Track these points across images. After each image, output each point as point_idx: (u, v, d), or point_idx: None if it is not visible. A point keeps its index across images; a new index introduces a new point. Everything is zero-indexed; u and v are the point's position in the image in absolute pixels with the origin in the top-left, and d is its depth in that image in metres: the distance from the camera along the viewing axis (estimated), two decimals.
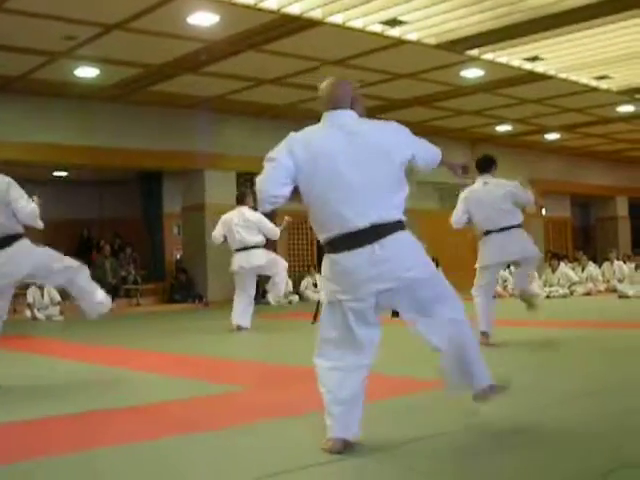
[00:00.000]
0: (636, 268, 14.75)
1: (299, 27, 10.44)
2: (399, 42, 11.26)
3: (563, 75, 13.63)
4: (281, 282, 9.79)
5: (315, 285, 16.25)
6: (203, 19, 10.12)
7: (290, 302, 15.65)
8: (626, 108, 16.64)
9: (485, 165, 7.16)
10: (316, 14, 10.01)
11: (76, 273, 5.50)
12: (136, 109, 14.69)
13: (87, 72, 12.39)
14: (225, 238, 9.60)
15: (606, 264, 16.77)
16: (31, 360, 5.71)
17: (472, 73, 13.28)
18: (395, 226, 3.33)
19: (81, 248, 17.90)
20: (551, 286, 14.75)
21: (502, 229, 6.92)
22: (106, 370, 6.43)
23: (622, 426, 3.70)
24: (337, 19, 10.23)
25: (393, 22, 10.42)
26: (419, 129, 5.97)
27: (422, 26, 10.68)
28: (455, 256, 15.69)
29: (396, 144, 3.46)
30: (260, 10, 9.71)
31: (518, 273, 7.44)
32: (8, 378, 5.60)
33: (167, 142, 15.06)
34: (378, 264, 3.27)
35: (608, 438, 3.46)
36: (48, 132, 13.52)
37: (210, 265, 15.73)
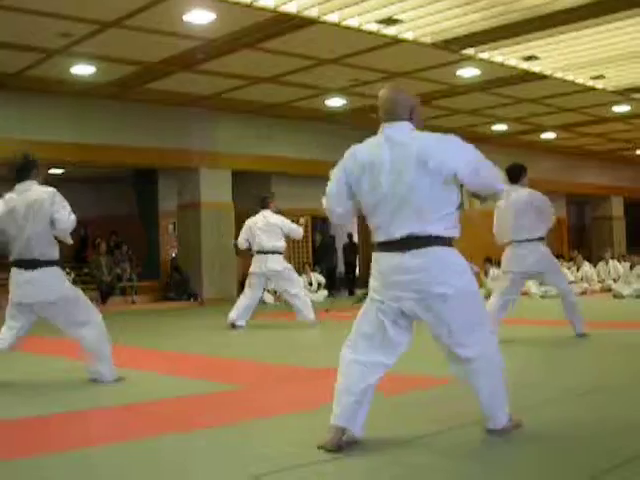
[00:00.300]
0: (631, 268, 14.77)
1: (295, 26, 10.44)
2: (395, 41, 11.26)
3: (559, 75, 13.65)
4: (304, 306, 9.68)
5: (310, 284, 16.21)
6: (199, 17, 10.11)
7: (286, 302, 15.61)
8: (622, 108, 16.67)
9: (512, 175, 7.26)
10: (312, 13, 10.01)
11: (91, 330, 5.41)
12: (132, 107, 14.67)
13: (83, 69, 12.37)
14: (249, 243, 9.75)
15: (601, 264, 16.82)
16: (27, 358, 5.70)
17: (468, 72, 13.28)
18: (431, 240, 3.33)
19: (78, 246, 17.87)
20: (546, 285, 14.76)
21: (522, 241, 7.11)
22: None
23: (624, 424, 3.72)
24: (333, 18, 10.23)
25: (389, 21, 10.42)
26: None
27: (418, 25, 10.68)
28: None
29: (438, 156, 3.33)
30: (256, 8, 9.71)
31: (565, 310, 7.43)
32: (4, 376, 5.59)
33: (163, 140, 15.05)
34: (405, 272, 3.33)
35: (610, 436, 3.49)
36: (44, 130, 13.49)
37: (205, 263, 15.74)
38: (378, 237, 3.46)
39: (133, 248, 17.67)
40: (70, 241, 5.35)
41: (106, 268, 15.89)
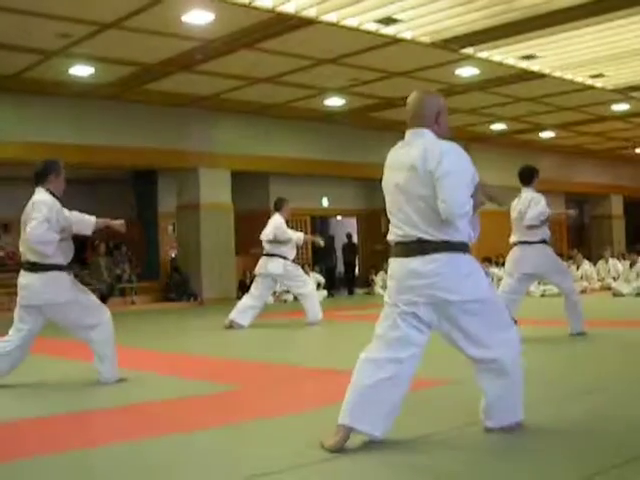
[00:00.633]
0: (631, 266, 14.77)
1: (294, 26, 10.44)
2: (394, 40, 11.26)
3: (558, 73, 13.65)
4: (311, 306, 9.72)
5: None
6: (198, 17, 10.11)
7: (285, 301, 15.66)
8: (621, 106, 16.67)
9: (524, 177, 7.31)
10: (311, 13, 10.00)
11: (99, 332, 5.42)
12: (131, 108, 14.67)
13: (82, 70, 12.36)
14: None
15: (601, 262, 16.82)
16: (28, 359, 5.71)
17: (467, 71, 13.28)
18: (441, 245, 3.36)
19: (77, 247, 17.83)
20: (545, 284, 14.76)
21: (523, 242, 7.21)
22: None
23: (624, 423, 3.72)
24: (332, 17, 10.23)
25: (388, 20, 10.42)
26: None
27: (417, 24, 10.67)
28: None
29: (427, 166, 3.33)
30: (255, 9, 9.70)
31: (566, 308, 7.46)
32: (4, 377, 5.58)
33: (162, 141, 15.05)
34: (415, 277, 3.37)
35: (610, 435, 3.49)
36: (43, 131, 13.48)
37: (204, 264, 15.75)
38: (392, 236, 3.52)
39: (133, 249, 17.66)
40: (47, 252, 5.19)
41: (105, 269, 15.88)
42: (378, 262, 18.03)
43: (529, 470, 3.04)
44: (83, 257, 18.01)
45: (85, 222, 5.60)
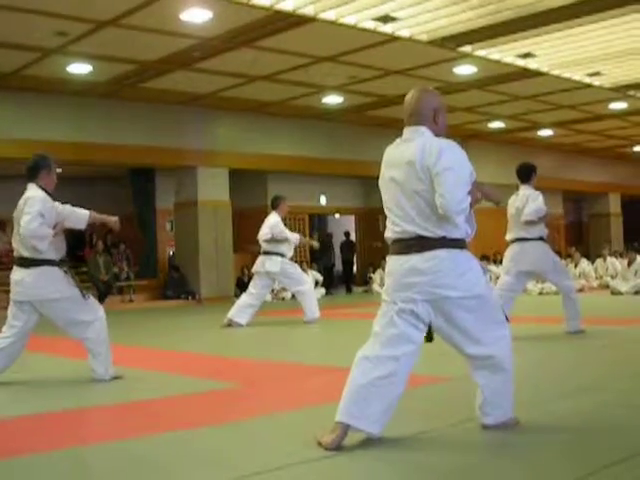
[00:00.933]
0: (629, 264, 14.79)
1: (292, 24, 10.43)
2: (391, 39, 11.25)
3: (556, 72, 13.65)
4: (308, 307, 9.74)
5: None
6: (196, 15, 10.10)
7: (283, 299, 15.67)
8: (618, 105, 16.67)
9: (522, 174, 7.33)
10: (309, 11, 10.00)
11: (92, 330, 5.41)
12: (129, 106, 14.66)
13: (80, 68, 12.35)
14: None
15: (599, 261, 16.83)
16: (24, 357, 5.70)
17: (465, 70, 13.28)
18: (440, 242, 3.37)
19: (74, 244, 17.85)
20: (543, 282, 14.77)
21: (520, 239, 7.22)
22: None
23: (623, 422, 3.72)
24: (329, 16, 10.22)
25: (385, 19, 10.42)
26: None
27: (414, 23, 10.67)
28: None
29: (425, 162, 3.34)
30: (253, 7, 9.70)
31: (564, 306, 7.46)
32: (2, 374, 5.58)
33: (160, 138, 15.04)
34: (413, 274, 3.37)
35: (608, 433, 3.50)
36: (40, 129, 13.47)
37: (203, 262, 15.74)
38: (389, 233, 3.53)
39: (131, 247, 17.66)
40: (41, 247, 5.19)
41: (104, 267, 15.88)
42: (376, 260, 18.04)
43: (525, 467, 3.05)
44: (81, 255, 18.03)
45: (78, 215, 5.53)
